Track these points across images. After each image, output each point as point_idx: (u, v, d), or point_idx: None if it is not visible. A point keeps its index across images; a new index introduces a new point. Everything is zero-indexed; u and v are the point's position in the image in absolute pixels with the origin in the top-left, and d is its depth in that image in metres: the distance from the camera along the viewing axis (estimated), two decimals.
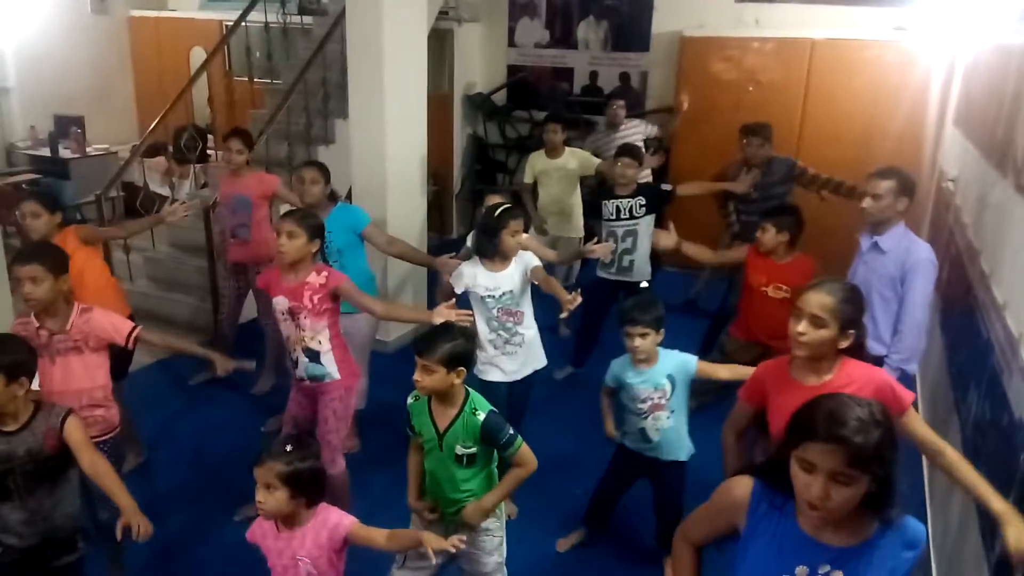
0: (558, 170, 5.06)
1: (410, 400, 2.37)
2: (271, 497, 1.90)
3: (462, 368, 2.24)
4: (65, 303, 2.57)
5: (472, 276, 3.14)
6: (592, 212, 4.39)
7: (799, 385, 2.07)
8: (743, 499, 1.53)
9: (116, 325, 2.63)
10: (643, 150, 4.73)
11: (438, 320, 2.61)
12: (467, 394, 2.31)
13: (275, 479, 1.89)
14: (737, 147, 5.17)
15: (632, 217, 4.19)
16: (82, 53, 7.64)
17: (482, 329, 3.16)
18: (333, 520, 1.99)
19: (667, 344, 2.88)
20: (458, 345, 2.22)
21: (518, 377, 3.25)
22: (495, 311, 3.14)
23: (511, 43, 7.47)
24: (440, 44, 6.88)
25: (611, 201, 4.23)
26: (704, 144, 5.89)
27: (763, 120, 4.73)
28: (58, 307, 2.54)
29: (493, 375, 3.20)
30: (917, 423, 2.05)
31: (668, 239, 3.69)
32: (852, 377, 2.05)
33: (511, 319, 3.16)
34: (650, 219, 4.21)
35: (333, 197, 3.76)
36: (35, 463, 2.13)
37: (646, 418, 2.84)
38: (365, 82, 4.59)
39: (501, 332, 3.17)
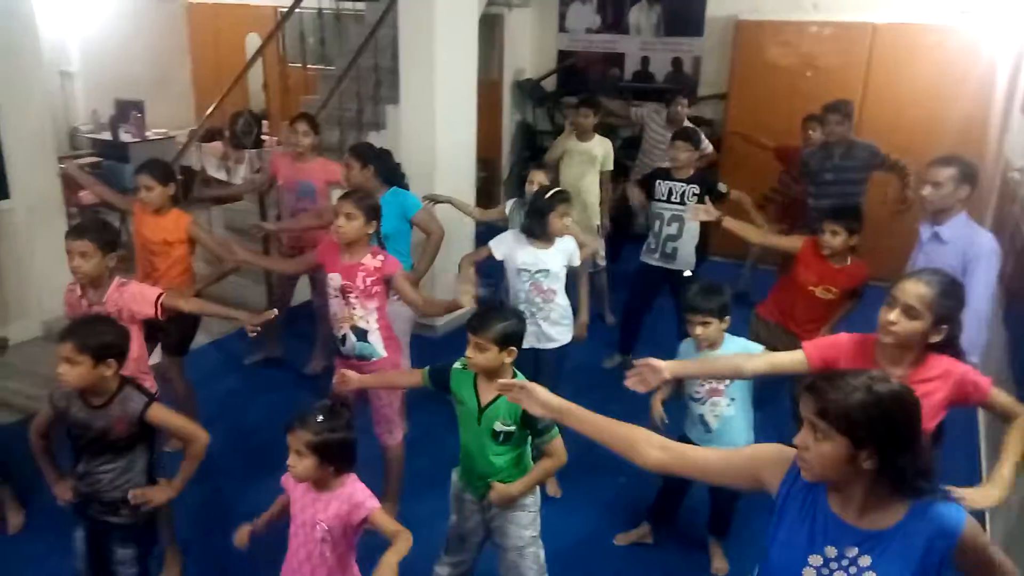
0: (581, 153, 5.02)
1: (457, 365, 2.40)
2: (300, 463, 1.98)
3: (513, 348, 2.27)
4: (108, 277, 2.68)
5: (512, 247, 3.30)
6: (644, 190, 4.34)
7: (880, 367, 1.99)
8: (784, 465, 1.51)
9: (145, 295, 2.70)
10: (700, 135, 4.61)
11: (466, 304, 2.68)
12: (514, 374, 2.33)
13: (304, 447, 1.96)
14: (795, 135, 5.07)
15: (682, 202, 4.12)
16: (142, 39, 7.83)
17: (512, 299, 3.34)
18: (358, 499, 2.03)
19: None
20: (510, 325, 2.26)
21: (541, 346, 3.34)
22: (527, 285, 3.28)
23: (562, 28, 7.43)
24: (490, 29, 6.87)
25: (665, 182, 4.17)
26: (758, 132, 5.77)
27: (820, 107, 4.60)
28: (102, 281, 2.66)
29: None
30: (1001, 398, 2.07)
31: (708, 214, 3.59)
32: (934, 371, 2.00)
33: (541, 296, 3.28)
34: None
35: (390, 180, 3.75)
36: (103, 440, 2.23)
37: (704, 404, 2.82)
38: (416, 68, 4.62)
39: (529, 307, 3.28)
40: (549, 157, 5.27)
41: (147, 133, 7.29)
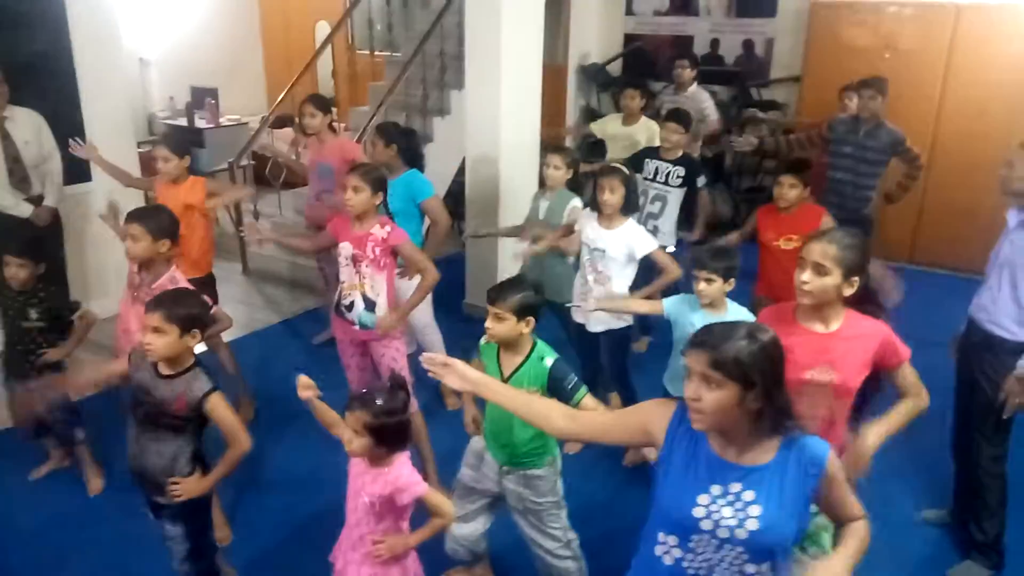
0: (626, 138, 4.98)
1: (483, 341, 2.46)
2: (357, 441, 2.02)
3: (531, 318, 2.32)
4: (165, 263, 2.79)
5: (586, 219, 3.41)
6: (633, 166, 4.29)
7: (806, 331, 2.13)
8: (667, 416, 1.66)
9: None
10: (692, 118, 4.50)
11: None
12: (534, 343, 2.38)
13: (361, 427, 2.00)
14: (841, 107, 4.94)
15: (666, 183, 4.20)
16: (216, 27, 8.04)
17: (579, 270, 3.45)
18: (402, 483, 2.05)
19: None
20: (528, 296, 2.30)
21: (589, 328, 3.42)
22: (587, 259, 3.37)
23: (629, 11, 7.32)
24: (556, 14, 6.81)
25: (653, 160, 4.26)
26: (832, 115, 5.58)
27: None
28: (156, 265, 2.77)
29: (576, 316, 3.47)
30: (909, 375, 2.17)
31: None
32: (859, 328, 2.12)
33: (595, 274, 3.34)
34: (681, 193, 4.19)
35: (411, 161, 3.82)
36: (158, 412, 2.26)
37: None
38: (481, 53, 4.62)
39: (584, 280, 3.40)
40: (596, 128, 5.31)
41: (221, 119, 7.50)
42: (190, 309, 2.25)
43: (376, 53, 6.77)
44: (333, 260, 4.53)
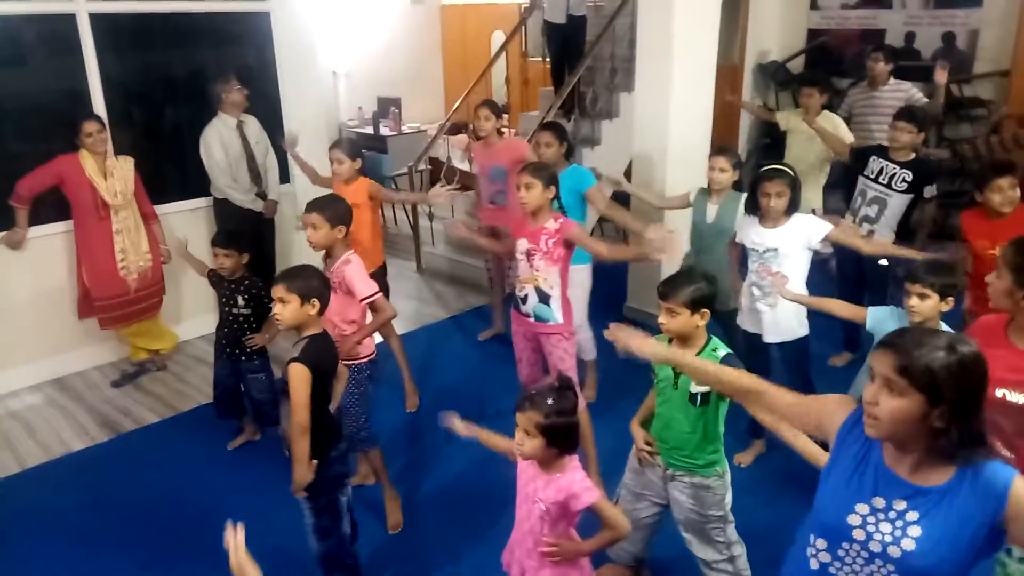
0: (803, 132, 4.76)
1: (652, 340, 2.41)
2: (528, 442, 2.02)
3: (706, 310, 2.27)
4: (344, 248, 2.96)
5: (745, 225, 3.29)
6: (858, 160, 4.06)
7: (1011, 346, 2.03)
8: (843, 415, 1.57)
9: (358, 286, 2.89)
10: (927, 116, 4.13)
11: (654, 255, 2.68)
12: (709, 337, 2.34)
13: (533, 427, 1.99)
14: None
15: (889, 186, 3.85)
16: (401, 40, 8.55)
17: (746, 278, 3.31)
18: (575, 490, 2.03)
19: None
20: (700, 288, 2.26)
21: (766, 339, 3.28)
22: (755, 265, 3.21)
23: (813, 5, 6.95)
24: (733, 10, 6.59)
25: (879, 159, 3.93)
26: None
27: None
28: (336, 251, 2.96)
29: (746, 324, 3.36)
30: None
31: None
32: None
33: (769, 278, 3.15)
34: (904, 200, 3.84)
35: (569, 156, 3.94)
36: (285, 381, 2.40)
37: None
38: (652, 55, 4.57)
39: (755, 289, 3.23)
40: (781, 119, 5.12)
41: (403, 127, 7.96)
42: (308, 280, 2.40)
43: (548, 60, 6.88)
44: (501, 263, 4.71)
